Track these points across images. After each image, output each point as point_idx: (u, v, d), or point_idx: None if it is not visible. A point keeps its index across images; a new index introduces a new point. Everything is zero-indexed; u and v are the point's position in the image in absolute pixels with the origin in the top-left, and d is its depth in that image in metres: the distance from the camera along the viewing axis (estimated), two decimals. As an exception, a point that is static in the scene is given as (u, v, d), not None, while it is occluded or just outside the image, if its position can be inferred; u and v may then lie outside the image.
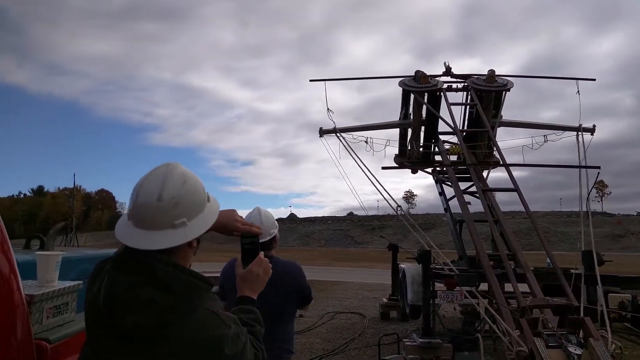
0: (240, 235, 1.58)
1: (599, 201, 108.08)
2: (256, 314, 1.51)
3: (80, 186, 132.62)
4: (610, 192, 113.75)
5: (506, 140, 10.24)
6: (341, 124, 10.34)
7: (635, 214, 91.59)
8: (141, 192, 1.32)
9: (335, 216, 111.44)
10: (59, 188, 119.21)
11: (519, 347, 5.32)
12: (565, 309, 5.90)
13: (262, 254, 1.60)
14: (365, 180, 8.84)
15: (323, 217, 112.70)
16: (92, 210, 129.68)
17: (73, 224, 19.40)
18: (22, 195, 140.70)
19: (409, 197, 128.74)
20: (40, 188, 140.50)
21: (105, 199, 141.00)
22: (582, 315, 5.99)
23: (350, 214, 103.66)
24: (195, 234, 1.34)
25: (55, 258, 1.86)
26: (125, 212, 1.40)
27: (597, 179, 7.62)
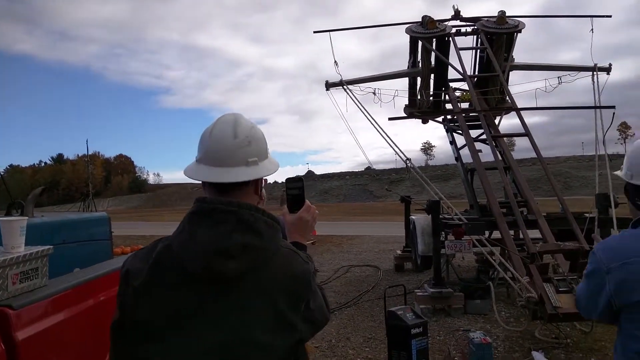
0: (286, 183, 1.60)
1: (622, 143, 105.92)
2: (310, 258, 1.53)
3: (99, 152, 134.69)
4: (634, 134, 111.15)
5: (519, 84, 9.86)
6: (355, 76, 10.10)
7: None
8: (215, 132, 1.37)
9: (352, 171, 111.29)
10: (78, 155, 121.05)
11: (529, 294, 5.30)
12: (576, 253, 5.81)
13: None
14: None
15: (341, 172, 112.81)
16: (112, 175, 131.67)
17: (90, 189, 19.68)
18: (42, 164, 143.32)
19: (427, 148, 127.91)
20: (60, 156, 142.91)
21: (124, 163, 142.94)
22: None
23: (368, 168, 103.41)
24: (265, 174, 1.41)
25: (19, 223, 1.82)
26: (194, 158, 1.42)
27: (613, 119, 7.36)
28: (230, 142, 1.36)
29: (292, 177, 1.59)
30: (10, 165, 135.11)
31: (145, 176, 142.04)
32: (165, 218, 41.31)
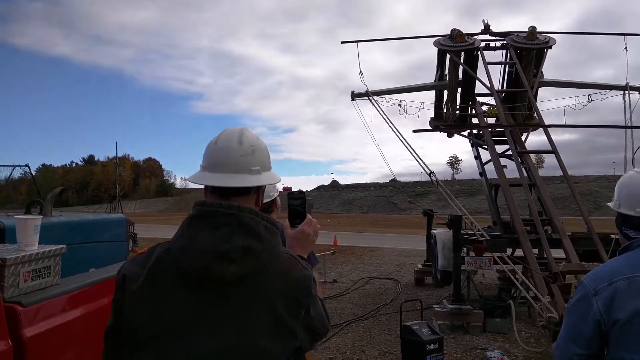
0: (288, 196, 1.61)
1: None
2: (309, 266, 1.53)
3: (128, 155, 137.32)
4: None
5: (549, 100, 9.69)
6: (381, 87, 10.11)
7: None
8: (221, 140, 1.40)
9: (377, 182, 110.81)
10: (108, 157, 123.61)
11: (550, 314, 5.17)
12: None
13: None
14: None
15: (365, 183, 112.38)
16: (140, 178, 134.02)
17: (117, 191, 20.06)
18: (74, 165, 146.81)
19: (454, 162, 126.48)
20: (91, 157, 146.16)
21: (152, 167, 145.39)
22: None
23: (393, 180, 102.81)
24: (267, 183, 1.42)
25: (33, 222, 1.86)
26: (200, 165, 1.44)
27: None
28: (235, 149, 1.37)
29: (294, 191, 1.61)
30: (43, 165, 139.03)
31: (172, 180, 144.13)
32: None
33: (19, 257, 1.74)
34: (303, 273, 1.34)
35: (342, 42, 10.13)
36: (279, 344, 1.26)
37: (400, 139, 8.49)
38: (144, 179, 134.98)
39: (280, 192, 2.94)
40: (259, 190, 1.43)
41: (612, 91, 9.07)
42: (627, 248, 1.73)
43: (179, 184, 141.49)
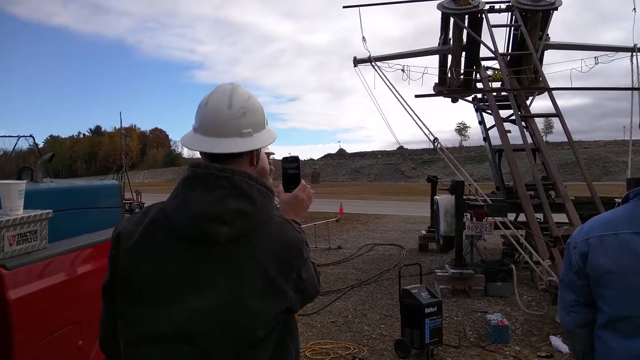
0: (282, 161, 1.61)
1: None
2: (302, 230, 1.53)
3: (135, 125, 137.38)
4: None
5: (555, 63, 9.53)
6: (386, 52, 9.93)
7: None
8: (210, 102, 1.37)
9: (384, 150, 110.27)
10: (115, 128, 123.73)
11: (550, 277, 5.20)
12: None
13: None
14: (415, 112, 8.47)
15: (372, 151, 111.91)
16: (148, 148, 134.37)
17: (124, 161, 20.15)
18: (81, 136, 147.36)
19: (462, 129, 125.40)
20: (98, 128, 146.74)
21: (159, 137, 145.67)
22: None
23: (400, 148, 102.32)
24: (260, 145, 1.40)
25: (17, 187, 1.87)
26: (191, 126, 1.44)
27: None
28: (224, 112, 1.35)
29: (288, 157, 1.59)
30: (51, 136, 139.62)
31: (179, 150, 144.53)
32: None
33: (2, 221, 1.75)
34: (296, 236, 1.35)
35: (344, 7, 9.93)
36: (268, 304, 1.27)
37: (403, 106, 8.40)
38: (151, 149, 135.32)
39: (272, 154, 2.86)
40: (253, 152, 1.41)
41: (620, 53, 8.87)
42: (625, 199, 1.66)
43: (186, 153, 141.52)
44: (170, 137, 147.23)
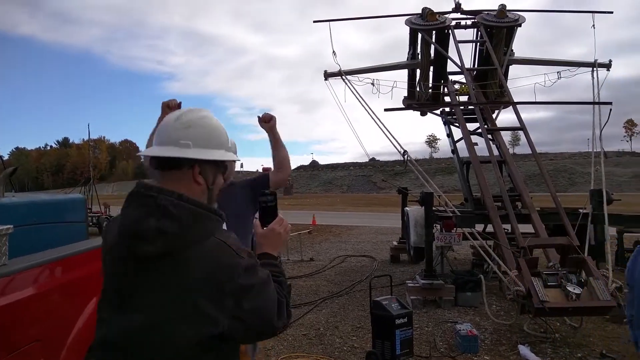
0: (259, 194, 1.61)
1: (627, 141, 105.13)
2: (280, 268, 1.54)
3: (104, 137, 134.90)
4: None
5: (519, 78, 9.79)
6: (355, 67, 10.04)
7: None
8: (166, 117, 1.47)
9: (357, 162, 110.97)
10: (83, 139, 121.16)
11: (517, 287, 5.30)
12: (567, 248, 5.81)
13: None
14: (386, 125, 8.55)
15: (345, 163, 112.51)
16: (117, 160, 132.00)
17: (92, 174, 19.74)
18: (48, 147, 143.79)
19: (432, 141, 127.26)
20: (66, 140, 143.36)
21: (129, 149, 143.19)
22: (586, 254, 5.89)
23: (372, 159, 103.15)
24: (192, 156, 1.38)
25: (-24, 202, 1.83)
26: None
27: (610, 116, 7.30)
28: (171, 124, 1.42)
29: (265, 191, 1.60)
30: (16, 148, 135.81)
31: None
32: (167, 205, 41.39)
33: (-43, 237, 1.71)
34: (231, 261, 1.32)
35: (314, 22, 10.04)
36: (189, 328, 1.26)
37: (373, 119, 8.50)
38: (121, 161, 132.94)
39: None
40: (195, 167, 1.40)
41: (581, 68, 9.19)
42: None
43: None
44: (140, 148, 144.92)
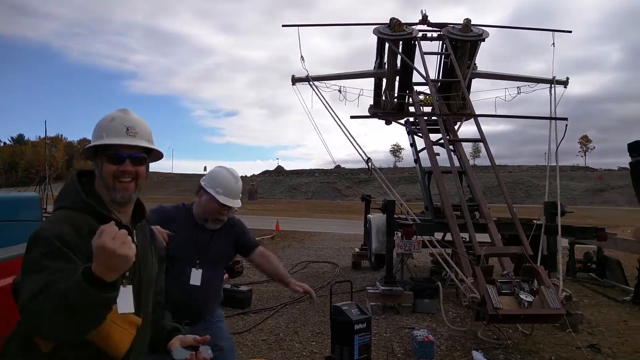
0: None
1: (582, 156, 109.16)
2: (85, 292, 1.33)
3: (61, 135, 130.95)
4: (594, 147, 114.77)
5: (482, 91, 10.11)
6: (322, 72, 10.14)
7: (617, 168, 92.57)
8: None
9: (322, 169, 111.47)
10: (39, 137, 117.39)
11: (472, 294, 5.44)
12: (521, 257, 6.00)
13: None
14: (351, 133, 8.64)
15: (310, 169, 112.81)
16: (75, 159, 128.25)
17: (47, 172, 19.16)
18: (2, 144, 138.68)
19: (396, 150, 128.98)
20: (21, 136, 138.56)
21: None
22: (539, 264, 6.10)
23: (338, 166, 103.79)
24: None
25: None
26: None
27: (566, 131, 7.59)
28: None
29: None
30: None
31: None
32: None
33: None
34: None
35: (283, 26, 10.08)
36: None
37: (339, 125, 8.58)
38: (79, 160, 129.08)
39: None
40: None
41: (540, 84, 9.54)
42: None
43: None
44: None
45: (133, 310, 1.49)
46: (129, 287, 1.48)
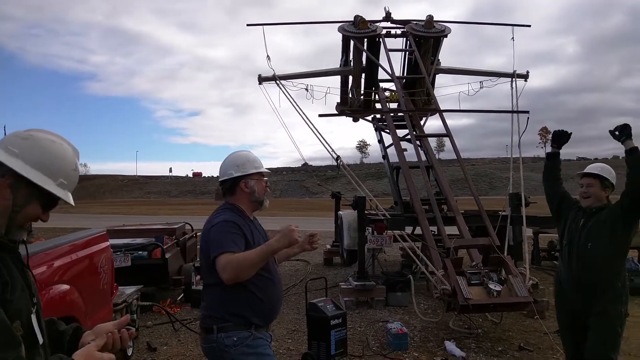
0: None
1: (542, 147, 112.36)
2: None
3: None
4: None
5: (445, 87, 10.33)
6: (287, 71, 10.16)
7: (575, 159, 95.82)
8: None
9: (289, 167, 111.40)
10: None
11: (443, 286, 5.58)
12: (487, 248, 6.19)
13: None
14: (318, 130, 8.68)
15: (277, 168, 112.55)
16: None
17: None
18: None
19: (363, 146, 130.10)
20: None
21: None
22: (506, 253, 6.30)
23: (305, 164, 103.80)
24: (8, 163, 1.32)
25: None
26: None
27: (527, 123, 7.82)
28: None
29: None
30: None
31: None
32: (92, 210, 39.60)
33: None
34: None
35: (248, 25, 10.03)
36: None
37: (307, 124, 8.63)
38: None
39: (247, 174, 2.65)
40: (6, 177, 1.34)
41: (501, 78, 9.79)
42: None
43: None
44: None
45: (45, 339, 1.41)
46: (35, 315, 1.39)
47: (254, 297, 2.48)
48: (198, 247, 10.27)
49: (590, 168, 3.51)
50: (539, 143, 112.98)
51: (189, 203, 45.76)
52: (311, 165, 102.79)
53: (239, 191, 2.66)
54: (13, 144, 1.34)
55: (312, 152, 76.68)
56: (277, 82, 9.44)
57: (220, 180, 2.71)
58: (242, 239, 2.45)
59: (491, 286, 5.48)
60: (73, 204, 1.44)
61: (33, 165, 1.35)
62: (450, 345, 5.37)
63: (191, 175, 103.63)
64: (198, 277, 9.04)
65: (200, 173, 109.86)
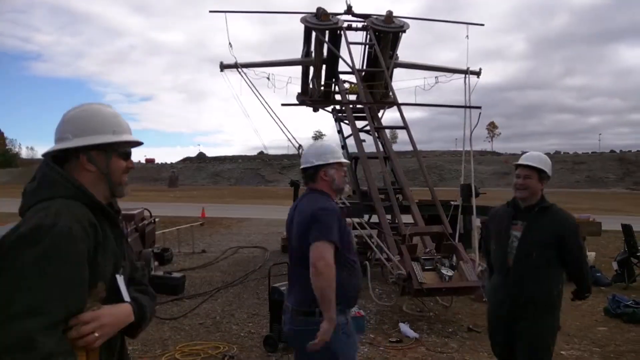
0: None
1: (489, 141, 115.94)
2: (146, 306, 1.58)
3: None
4: (500, 133, 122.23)
5: (402, 80, 10.64)
6: (245, 58, 10.16)
7: (520, 152, 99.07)
8: None
9: (245, 155, 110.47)
10: None
11: (399, 271, 5.88)
12: (440, 235, 6.54)
13: None
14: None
15: (233, 156, 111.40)
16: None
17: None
18: None
19: (319, 136, 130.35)
20: None
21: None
22: (457, 241, 6.66)
23: (261, 153, 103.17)
24: (71, 145, 1.49)
25: None
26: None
27: (479, 119, 8.20)
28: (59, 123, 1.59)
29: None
30: None
31: (17, 150, 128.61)
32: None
33: None
34: (34, 220, 1.34)
35: (210, 12, 10.02)
36: None
37: (269, 113, 8.73)
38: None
39: (327, 163, 2.71)
40: (79, 154, 1.51)
41: (455, 74, 10.19)
42: None
43: (24, 153, 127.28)
44: (5, 135, 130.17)
45: (129, 299, 1.52)
46: (122, 277, 1.52)
47: (348, 283, 2.60)
48: (156, 233, 10.24)
49: (527, 158, 3.23)
50: (487, 137, 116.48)
51: (142, 189, 44.74)
52: (267, 154, 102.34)
53: (319, 179, 2.75)
54: (63, 132, 1.52)
55: (267, 141, 76.26)
56: (239, 70, 9.48)
57: (301, 167, 2.81)
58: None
59: (444, 271, 5.82)
60: (141, 140, 1.66)
61: (85, 135, 1.51)
62: (404, 327, 5.66)
63: (144, 162, 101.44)
64: (157, 262, 9.07)
65: (153, 159, 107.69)
